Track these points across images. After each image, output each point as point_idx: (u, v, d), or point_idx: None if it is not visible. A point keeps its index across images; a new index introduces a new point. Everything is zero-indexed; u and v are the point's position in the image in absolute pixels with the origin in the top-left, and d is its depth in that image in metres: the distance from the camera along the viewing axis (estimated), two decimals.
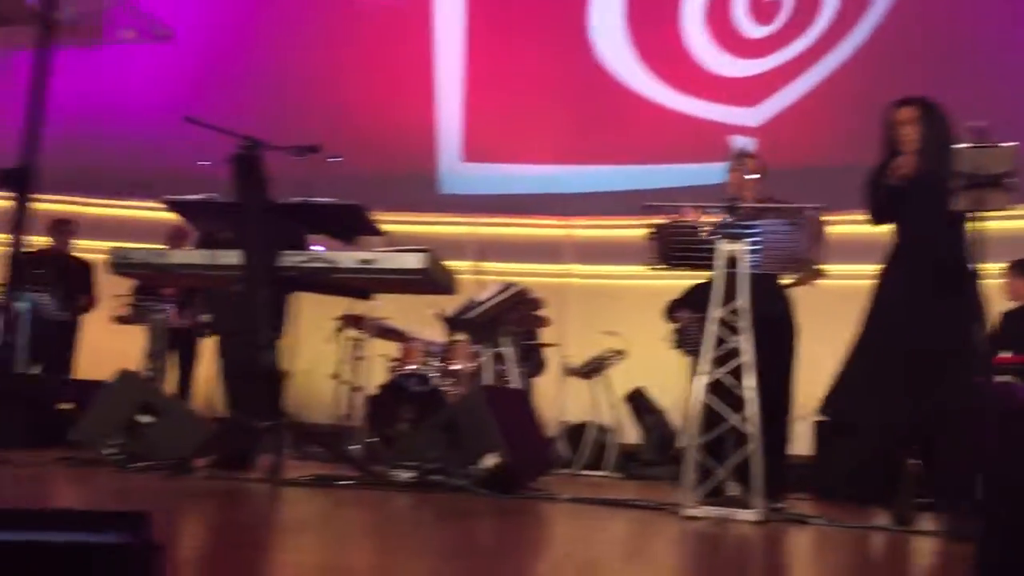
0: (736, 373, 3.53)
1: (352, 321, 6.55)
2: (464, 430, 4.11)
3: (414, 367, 6.34)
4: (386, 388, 6.26)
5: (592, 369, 6.79)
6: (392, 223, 8.67)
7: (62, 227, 7.17)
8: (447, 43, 9.46)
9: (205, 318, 6.40)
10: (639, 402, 6.94)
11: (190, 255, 4.35)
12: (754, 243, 3.55)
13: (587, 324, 7.25)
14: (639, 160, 8.96)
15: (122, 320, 6.96)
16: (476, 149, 9.34)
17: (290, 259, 4.01)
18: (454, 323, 5.71)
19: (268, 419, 3.95)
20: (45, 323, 6.64)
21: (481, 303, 5.40)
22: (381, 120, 9.04)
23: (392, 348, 6.72)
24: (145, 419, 4.41)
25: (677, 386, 5.32)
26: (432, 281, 3.96)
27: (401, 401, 6.13)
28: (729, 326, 3.57)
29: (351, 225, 4.14)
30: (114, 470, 4.20)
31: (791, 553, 3.15)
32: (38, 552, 1.17)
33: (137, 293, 6.89)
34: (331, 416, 6.83)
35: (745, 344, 3.52)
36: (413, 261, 3.87)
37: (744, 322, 3.53)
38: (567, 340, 7.27)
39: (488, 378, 5.76)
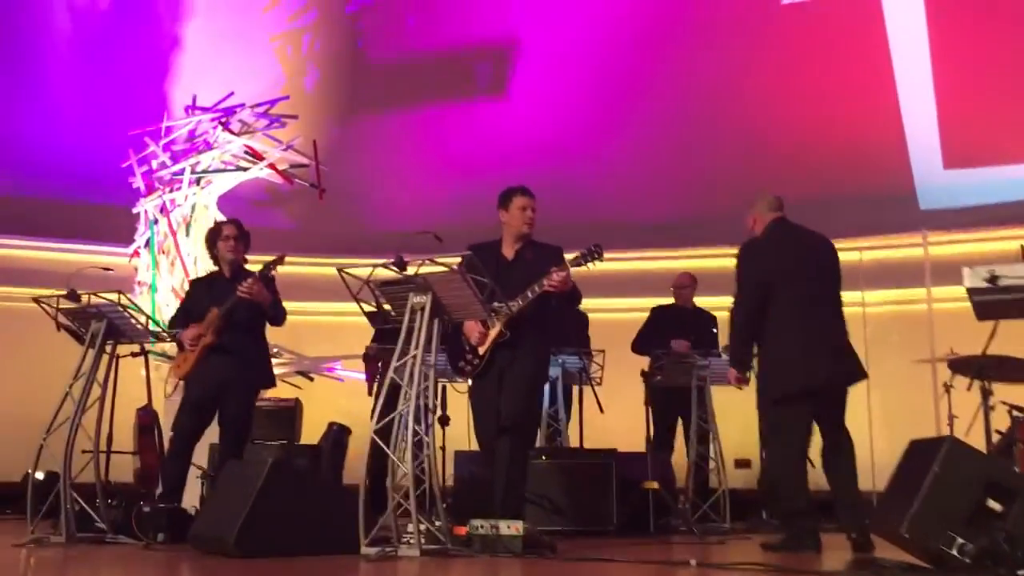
0: None
1: (966, 365, 5.27)
2: None
3: None
4: None
5: None
6: (871, 248, 7.45)
7: (688, 282, 6.71)
8: (903, 35, 8.07)
9: None
10: None
11: None
12: None
13: None
14: None
15: None
16: (959, 152, 7.84)
17: None
18: None
19: None
20: None
21: None
22: (841, 139, 7.83)
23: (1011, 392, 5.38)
24: (995, 506, 3.31)
25: None
26: None
27: None
28: None
29: None
30: None
31: None
32: None
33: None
34: None
35: None
36: None
37: None
38: None
39: None
